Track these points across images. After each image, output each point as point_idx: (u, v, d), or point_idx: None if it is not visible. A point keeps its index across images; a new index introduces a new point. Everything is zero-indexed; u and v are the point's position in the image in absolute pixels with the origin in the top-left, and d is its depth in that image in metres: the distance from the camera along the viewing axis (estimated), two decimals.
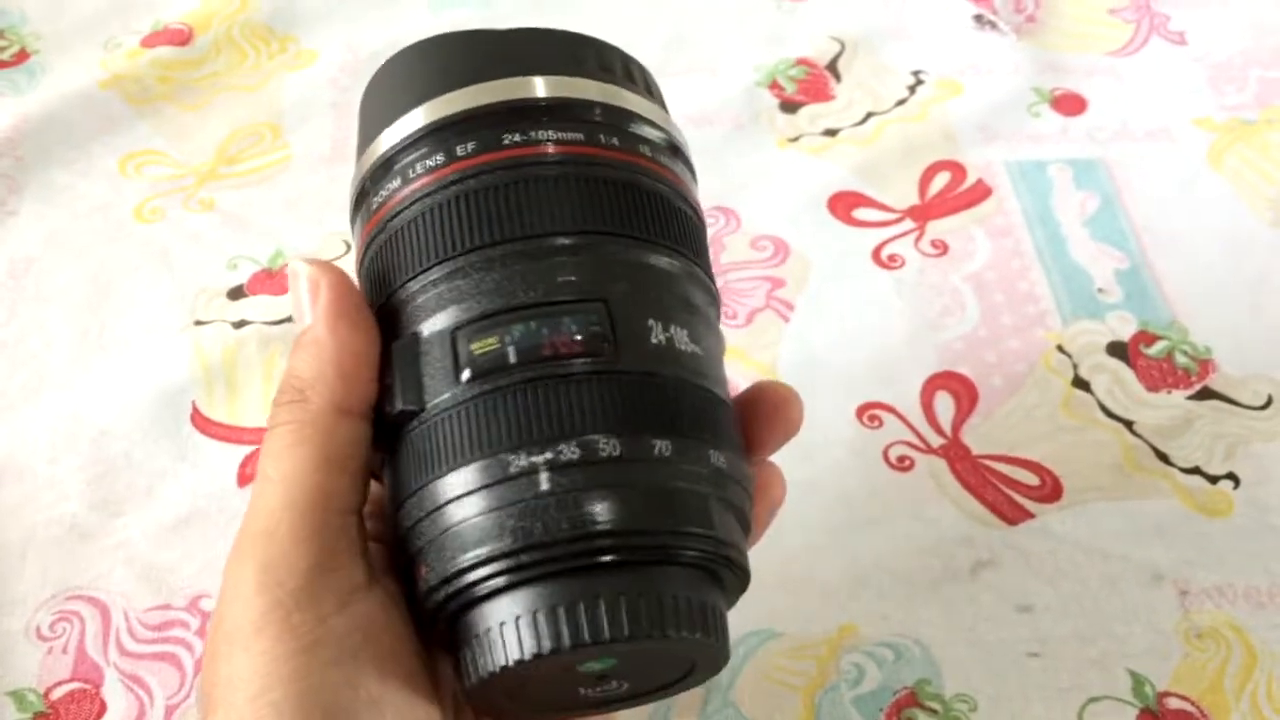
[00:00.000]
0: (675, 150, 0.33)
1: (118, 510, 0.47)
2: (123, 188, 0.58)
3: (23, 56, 0.64)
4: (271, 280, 0.54)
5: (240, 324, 0.52)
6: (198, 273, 0.54)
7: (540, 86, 0.31)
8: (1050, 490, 0.47)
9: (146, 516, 0.47)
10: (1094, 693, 0.42)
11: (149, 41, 0.64)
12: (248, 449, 0.48)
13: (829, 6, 0.67)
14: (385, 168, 0.31)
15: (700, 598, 0.28)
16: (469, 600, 0.28)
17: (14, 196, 0.58)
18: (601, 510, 0.27)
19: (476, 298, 0.29)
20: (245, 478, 0.48)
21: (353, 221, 0.33)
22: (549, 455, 0.27)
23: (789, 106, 0.62)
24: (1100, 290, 0.54)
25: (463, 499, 0.28)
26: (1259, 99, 0.62)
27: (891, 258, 0.55)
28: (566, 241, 0.29)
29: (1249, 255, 0.55)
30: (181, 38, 0.64)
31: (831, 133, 0.61)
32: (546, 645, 0.26)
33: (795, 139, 0.60)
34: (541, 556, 0.27)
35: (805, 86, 0.63)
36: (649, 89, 0.34)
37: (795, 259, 0.55)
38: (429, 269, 0.30)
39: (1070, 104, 0.62)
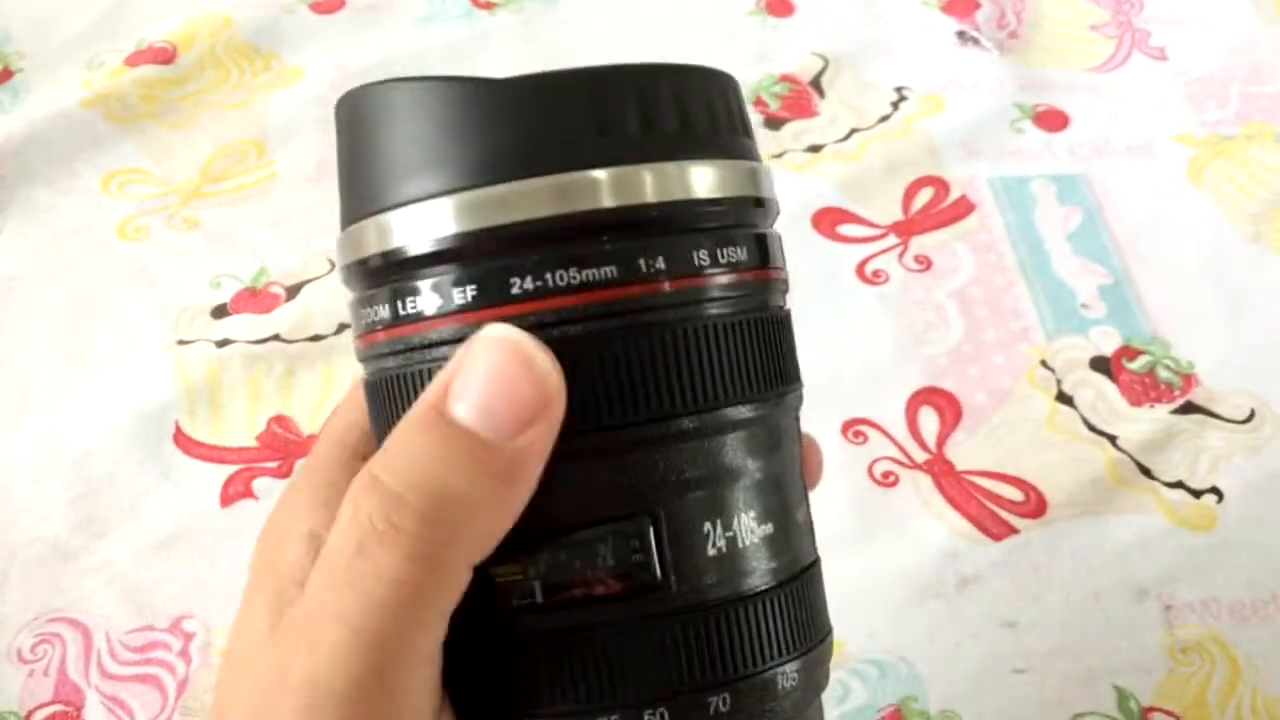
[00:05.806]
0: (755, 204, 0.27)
1: (100, 531, 0.47)
2: (106, 206, 0.58)
3: (6, 75, 0.64)
4: (255, 299, 0.54)
5: (223, 343, 0.52)
6: (181, 291, 0.54)
7: (605, 190, 0.24)
8: (1034, 505, 0.47)
9: (129, 537, 0.46)
10: (1079, 708, 0.42)
11: (132, 60, 0.64)
12: (231, 469, 0.48)
13: (813, 23, 0.68)
14: (409, 265, 0.24)
15: None
16: None
17: None
18: None
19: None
20: (228, 497, 0.47)
21: (348, 282, 0.27)
22: None
23: (773, 123, 0.62)
24: (1083, 305, 0.54)
25: None
26: (1239, 114, 0.62)
27: (875, 274, 0.55)
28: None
29: (1230, 270, 0.56)
30: (165, 56, 0.64)
31: (815, 149, 0.61)
32: None
33: (779, 155, 0.60)
34: None
35: (789, 103, 0.63)
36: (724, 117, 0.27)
37: None
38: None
39: (1052, 120, 0.62)
